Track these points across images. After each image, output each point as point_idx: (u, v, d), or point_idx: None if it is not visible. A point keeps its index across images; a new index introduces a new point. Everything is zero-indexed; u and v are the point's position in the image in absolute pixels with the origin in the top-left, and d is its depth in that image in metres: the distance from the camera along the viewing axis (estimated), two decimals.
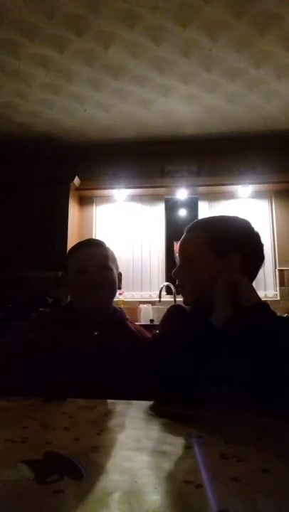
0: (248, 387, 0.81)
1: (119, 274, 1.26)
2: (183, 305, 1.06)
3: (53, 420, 0.68)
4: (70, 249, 1.27)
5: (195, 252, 0.96)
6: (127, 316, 1.27)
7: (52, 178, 3.53)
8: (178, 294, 3.50)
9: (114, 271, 1.22)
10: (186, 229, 1.03)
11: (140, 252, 3.77)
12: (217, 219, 1.04)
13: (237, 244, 0.94)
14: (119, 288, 1.25)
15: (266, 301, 0.89)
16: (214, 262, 0.93)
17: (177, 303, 3.35)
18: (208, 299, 0.89)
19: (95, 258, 1.19)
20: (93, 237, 3.65)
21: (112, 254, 1.24)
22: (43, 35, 2.34)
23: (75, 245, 1.27)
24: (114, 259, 1.24)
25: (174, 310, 1.07)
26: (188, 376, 0.81)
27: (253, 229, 1.00)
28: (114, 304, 1.27)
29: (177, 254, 3.83)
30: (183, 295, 1.00)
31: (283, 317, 0.94)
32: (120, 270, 1.27)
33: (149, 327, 2.50)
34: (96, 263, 1.18)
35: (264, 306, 0.86)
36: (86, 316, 1.17)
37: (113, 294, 1.23)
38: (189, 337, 0.84)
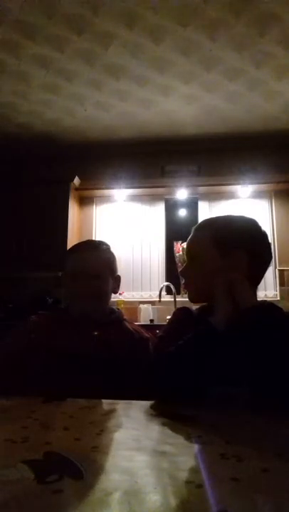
0: (247, 389, 0.81)
1: (118, 277, 1.23)
2: (190, 307, 1.06)
3: (53, 420, 0.68)
4: (68, 251, 1.25)
5: (199, 250, 0.96)
6: (125, 317, 1.27)
7: (52, 178, 3.53)
8: (178, 293, 3.50)
9: (108, 278, 1.18)
10: (193, 228, 1.02)
11: (140, 252, 3.77)
12: (223, 218, 1.03)
13: (242, 242, 0.92)
14: (115, 293, 1.23)
15: (266, 301, 0.88)
16: (217, 260, 0.92)
17: (177, 303, 3.35)
18: (211, 297, 0.89)
19: (87, 265, 1.15)
20: (93, 238, 3.66)
21: (109, 257, 1.20)
22: (43, 35, 2.34)
23: (72, 247, 1.25)
24: (109, 263, 1.19)
25: (180, 312, 1.06)
26: (186, 376, 0.81)
27: (259, 228, 0.98)
28: (112, 305, 1.27)
29: (178, 254, 3.81)
30: (188, 292, 1.01)
31: (281, 317, 0.92)
32: (120, 271, 1.24)
33: (149, 327, 2.50)
34: (87, 271, 1.14)
35: (259, 308, 0.86)
36: (84, 317, 1.16)
37: (104, 304, 1.20)
38: (189, 337, 0.84)
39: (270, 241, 0.99)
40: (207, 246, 0.94)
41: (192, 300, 1.00)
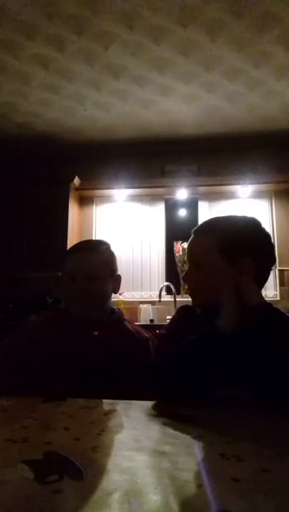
0: (248, 389, 0.81)
1: (118, 277, 1.22)
2: (192, 305, 1.05)
3: (53, 420, 0.68)
4: (67, 251, 1.25)
5: (205, 258, 0.93)
6: (125, 317, 1.27)
7: (52, 178, 3.53)
8: (178, 293, 3.50)
9: (108, 278, 1.17)
10: (193, 231, 1.00)
11: (140, 252, 3.77)
12: (226, 221, 0.99)
13: (249, 248, 0.91)
14: (115, 292, 1.22)
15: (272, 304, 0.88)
16: (226, 269, 0.90)
17: (177, 303, 3.35)
18: (216, 302, 0.88)
19: (84, 267, 1.15)
20: (92, 238, 3.66)
21: (108, 257, 1.19)
22: (43, 35, 2.34)
23: (72, 247, 1.24)
24: (109, 263, 1.19)
25: (183, 310, 1.05)
26: (188, 378, 0.81)
27: (263, 230, 0.97)
28: (112, 305, 1.27)
29: (178, 254, 3.79)
30: (192, 298, 0.99)
31: (285, 318, 0.92)
32: (120, 271, 1.23)
33: (149, 327, 2.49)
34: (84, 272, 1.14)
35: (263, 307, 0.85)
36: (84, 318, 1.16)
37: (103, 305, 1.20)
38: (192, 339, 0.84)
39: (273, 242, 0.98)
40: (212, 252, 0.92)
41: (197, 305, 0.99)
